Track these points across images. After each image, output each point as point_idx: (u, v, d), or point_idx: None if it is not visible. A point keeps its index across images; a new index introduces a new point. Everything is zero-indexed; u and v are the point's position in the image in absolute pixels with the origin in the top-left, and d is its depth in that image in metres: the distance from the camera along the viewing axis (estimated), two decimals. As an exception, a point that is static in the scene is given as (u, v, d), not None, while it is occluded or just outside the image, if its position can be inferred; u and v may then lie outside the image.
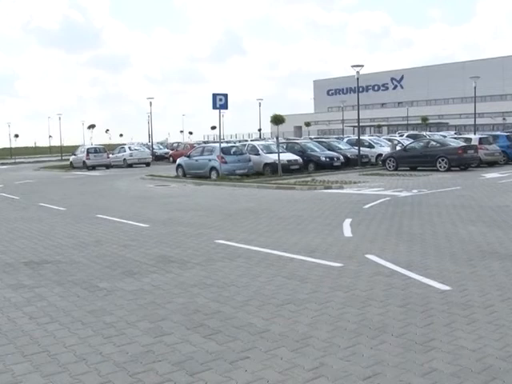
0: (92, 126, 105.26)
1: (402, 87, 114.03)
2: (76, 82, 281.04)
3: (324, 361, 4.72)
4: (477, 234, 10.51)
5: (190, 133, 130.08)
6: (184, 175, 28.29)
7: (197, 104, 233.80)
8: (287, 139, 46.75)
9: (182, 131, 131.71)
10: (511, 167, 28.53)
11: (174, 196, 20.37)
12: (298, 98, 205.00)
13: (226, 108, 28.03)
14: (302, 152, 30.04)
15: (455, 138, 33.01)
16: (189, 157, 28.77)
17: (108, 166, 42.29)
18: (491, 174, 24.58)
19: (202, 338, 5.35)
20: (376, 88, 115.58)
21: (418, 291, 6.73)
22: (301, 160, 28.52)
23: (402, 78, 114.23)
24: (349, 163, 30.95)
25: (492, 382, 4.27)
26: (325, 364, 4.66)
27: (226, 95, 27.52)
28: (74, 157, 44.32)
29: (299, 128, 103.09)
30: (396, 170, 28.65)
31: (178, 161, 29.90)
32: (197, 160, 27.89)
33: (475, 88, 45.00)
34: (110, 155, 44.21)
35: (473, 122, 56.13)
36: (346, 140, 38.93)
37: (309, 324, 5.68)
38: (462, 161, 27.76)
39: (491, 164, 29.86)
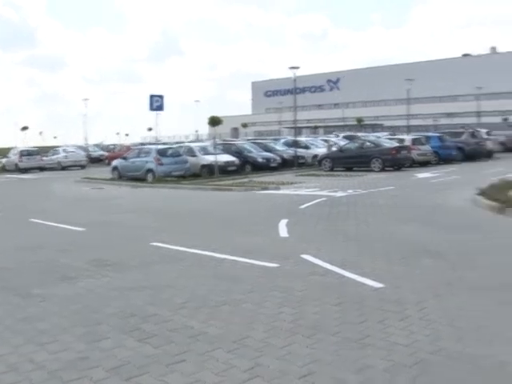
0: (25, 128, 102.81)
1: (338, 89, 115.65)
2: (11, 81, 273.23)
3: (260, 361, 4.75)
4: (410, 233, 10.76)
5: (127, 134, 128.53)
6: (120, 177, 27.91)
7: (134, 105, 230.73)
8: (224, 140, 46.78)
9: (118, 133, 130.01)
10: (442, 167, 29.35)
11: (109, 199, 20.10)
12: (236, 99, 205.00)
13: (162, 109, 27.96)
14: (238, 153, 30.14)
15: (389, 139, 33.69)
16: (125, 159, 28.47)
17: (42, 169, 41.35)
18: (423, 174, 25.21)
19: (138, 342, 5.29)
20: (313, 90, 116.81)
21: (353, 289, 6.85)
22: (238, 161, 28.64)
23: (338, 80, 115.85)
24: (285, 164, 31.26)
25: (423, 375, 4.39)
26: (261, 364, 4.69)
27: (162, 96, 27.48)
28: (6, 159, 43.25)
29: (236, 129, 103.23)
30: (332, 170, 29.05)
31: (114, 163, 29.53)
32: (133, 162, 27.59)
33: (409, 90, 46.03)
34: (44, 158, 43.29)
35: (407, 123, 57.50)
36: (282, 141, 39.21)
37: (245, 325, 5.70)
38: (396, 161, 28.40)
39: (424, 164, 30.63)
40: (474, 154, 33.87)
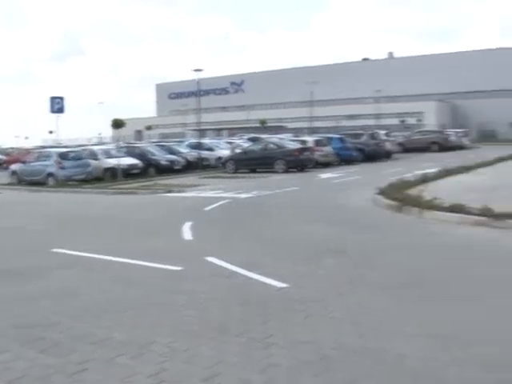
0: None
1: (243, 91, 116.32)
2: None
3: (165, 366, 4.70)
4: (314, 234, 10.97)
5: (26, 137, 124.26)
6: (19, 182, 27.03)
7: (34, 107, 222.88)
8: (128, 143, 46.11)
9: (17, 136, 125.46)
10: (344, 168, 30.12)
11: (7, 204, 19.41)
12: (140, 101, 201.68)
13: (63, 111, 27.40)
14: (142, 156, 29.81)
15: (292, 141, 34.21)
16: (24, 163, 27.58)
17: None
18: (326, 175, 25.79)
19: (39, 353, 5.11)
20: (217, 92, 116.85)
21: (257, 290, 6.91)
22: (141, 164, 28.34)
23: (242, 82, 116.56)
24: (190, 166, 31.20)
25: (326, 371, 4.49)
26: (165, 369, 4.64)
27: (62, 98, 26.96)
28: None
29: (140, 132, 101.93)
30: (236, 172, 29.20)
31: (13, 167, 28.65)
32: (33, 166, 26.79)
33: (312, 93, 46.92)
34: None
35: (310, 125, 58.58)
36: (186, 143, 39.03)
37: (149, 329, 5.63)
38: (299, 162, 28.89)
39: (326, 165, 31.30)
40: (373, 154, 35.04)
